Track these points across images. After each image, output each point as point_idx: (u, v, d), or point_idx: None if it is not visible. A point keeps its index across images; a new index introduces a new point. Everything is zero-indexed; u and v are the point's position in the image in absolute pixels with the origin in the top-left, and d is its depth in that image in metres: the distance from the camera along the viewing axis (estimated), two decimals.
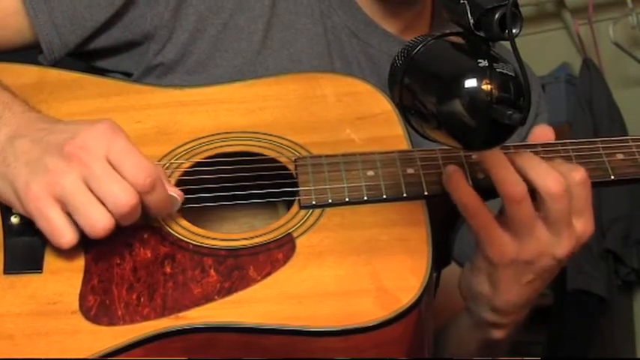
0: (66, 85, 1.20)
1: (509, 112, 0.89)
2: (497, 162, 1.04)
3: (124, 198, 0.99)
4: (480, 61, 0.91)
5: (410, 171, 1.11)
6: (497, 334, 1.17)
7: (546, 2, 3.49)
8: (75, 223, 1.01)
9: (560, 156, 1.11)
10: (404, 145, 1.15)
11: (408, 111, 0.96)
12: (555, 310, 3.20)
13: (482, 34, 0.92)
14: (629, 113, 3.30)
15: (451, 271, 1.19)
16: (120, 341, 0.97)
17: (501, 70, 0.91)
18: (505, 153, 1.05)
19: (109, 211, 1.00)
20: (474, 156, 1.10)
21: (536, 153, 1.11)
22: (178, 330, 0.99)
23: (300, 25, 1.28)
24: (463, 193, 1.06)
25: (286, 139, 1.15)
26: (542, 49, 3.26)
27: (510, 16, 0.90)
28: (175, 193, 1.05)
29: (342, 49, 1.30)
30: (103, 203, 1.00)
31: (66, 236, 1.00)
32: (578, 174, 1.06)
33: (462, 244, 1.25)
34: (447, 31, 0.96)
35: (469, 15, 0.92)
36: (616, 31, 3.25)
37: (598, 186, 1.12)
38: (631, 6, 3.20)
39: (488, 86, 0.90)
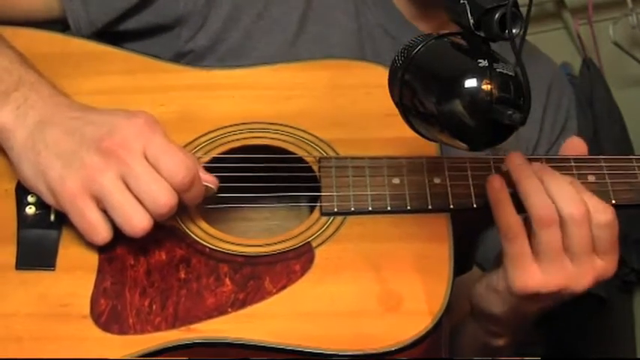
0: (91, 59, 1.17)
1: (510, 112, 0.89)
2: (525, 180, 1.02)
3: (163, 198, 0.98)
4: (479, 61, 0.91)
5: (437, 181, 1.09)
6: (499, 342, 1.17)
7: (546, 2, 3.49)
8: (109, 219, 0.99)
9: (592, 173, 1.09)
10: (432, 148, 1.12)
11: (409, 111, 0.96)
12: (555, 310, 3.20)
13: (482, 34, 0.92)
14: (629, 113, 3.29)
15: (469, 273, 1.18)
16: (129, 352, 0.96)
17: (501, 70, 0.91)
18: (531, 161, 1.03)
19: (147, 210, 0.98)
20: (504, 168, 1.07)
21: (568, 168, 1.09)
22: (188, 344, 0.97)
23: (335, 20, 1.27)
24: (506, 212, 1.02)
25: (311, 134, 1.13)
26: (542, 49, 3.26)
27: (510, 16, 0.90)
28: (210, 182, 1.04)
29: (375, 47, 1.29)
30: (140, 201, 0.98)
31: (102, 233, 1.00)
32: (604, 216, 1.02)
33: (486, 248, 1.23)
34: (447, 31, 0.96)
35: (469, 15, 0.92)
36: (616, 31, 3.24)
37: (628, 208, 1.08)
38: (631, 6, 3.18)
39: (489, 86, 0.90)
